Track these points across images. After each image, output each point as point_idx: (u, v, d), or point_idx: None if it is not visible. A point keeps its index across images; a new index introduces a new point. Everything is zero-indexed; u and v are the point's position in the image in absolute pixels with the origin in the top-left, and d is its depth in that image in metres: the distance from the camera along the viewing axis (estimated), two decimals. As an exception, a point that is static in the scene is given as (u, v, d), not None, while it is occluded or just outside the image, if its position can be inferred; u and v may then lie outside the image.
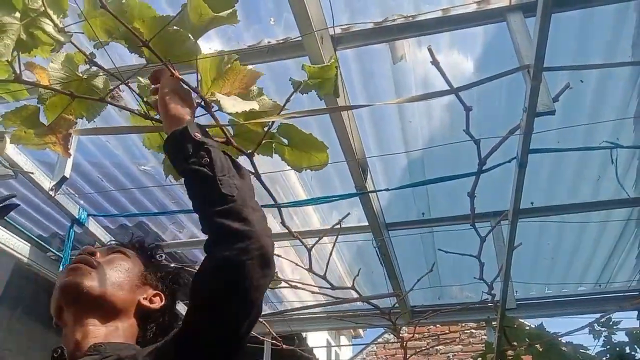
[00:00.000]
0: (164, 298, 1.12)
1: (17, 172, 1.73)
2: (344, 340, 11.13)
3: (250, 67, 1.34)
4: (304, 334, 4.55)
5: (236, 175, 0.98)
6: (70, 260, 1.08)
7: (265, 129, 1.43)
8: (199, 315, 0.88)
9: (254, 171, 1.58)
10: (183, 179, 1.03)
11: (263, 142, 1.47)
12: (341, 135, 2.01)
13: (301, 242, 1.98)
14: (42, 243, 3.00)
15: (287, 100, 1.42)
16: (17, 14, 1.22)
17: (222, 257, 0.88)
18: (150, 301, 1.09)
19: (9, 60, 1.28)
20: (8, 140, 1.68)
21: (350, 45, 1.81)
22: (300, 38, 1.75)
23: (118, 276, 1.05)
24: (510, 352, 3.04)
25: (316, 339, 7.35)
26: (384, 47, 1.92)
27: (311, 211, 3.03)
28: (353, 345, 10.55)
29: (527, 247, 2.45)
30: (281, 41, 1.86)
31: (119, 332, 1.01)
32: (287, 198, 2.70)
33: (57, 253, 2.85)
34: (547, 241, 3.12)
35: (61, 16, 1.29)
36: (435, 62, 1.29)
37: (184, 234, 3.10)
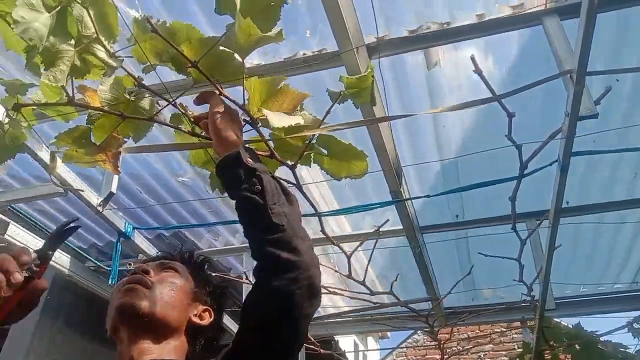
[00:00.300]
0: (212, 313, 1.14)
1: (67, 190, 1.79)
2: (370, 341, 11.12)
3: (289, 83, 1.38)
4: (335, 337, 4.57)
5: (285, 202, 1.01)
6: (121, 276, 1.10)
7: (306, 141, 1.47)
8: (251, 338, 0.92)
9: (295, 182, 1.61)
10: (234, 203, 1.07)
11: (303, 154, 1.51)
12: (377, 143, 2.03)
13: (341, 249, 2.01)
14: (82, 253, 3.07)
15: (327, 113, 1.45)
16: (72, 41, 1.26)
17: (273, 287, 0.91)
18: (200, 317, 1.11)
19: (64, 85, 1.34)
20: (59, 160, 1.74)
21: (386, 53, 1.82)
22: (335, 49, 1.78)
23: (171, 296, 1.06)
24: (547, 352, 3.03)
25: (344, 342, 7.36)
26: (418, 54, 1.94)
27: (343, 217, 3.05)
28: (380, 349, 10.54)
29: (563, 246, 2.44)
30: (317, 52, 1.89)
31: (171, 349, 1.03)
32: (321, 206, 2.72)
33: (98, 263, 2.92)
34: (582, 240, 3.09)
35: (112, 42, 1.33)
36: (478, 71, 1.31)
37: (219, 241, 3.15)
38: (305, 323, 0.93)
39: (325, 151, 1.51)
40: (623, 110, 2.18)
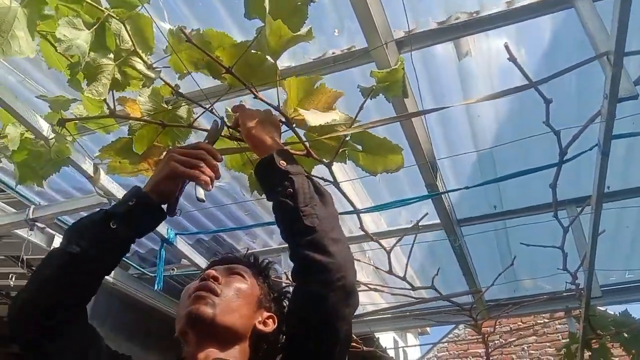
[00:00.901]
0: (276, 320, 1.14)
1: (110, 200, 1.84)
2: (410, 338, 11.05)
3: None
4: (376, 335, 4.57)
5: (319, 203, 1.03)
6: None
7: (340, 140, 1.48)
8: (296, 342, 0.97)
9: (332, 180, 1.62)
10: (270, 202, 1.10)
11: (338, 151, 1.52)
12: (410, 136, 2.03)
13: (381, 245, 2.01)
14: (125, 260, 3.15)
15: (360, 109, 1.45)
16: (111, 55, 1.30)
17: (307, 290, 0.96)
18: (265, 324, 1.12)
19: (105, 97, 1.38)
20: (102, 171, 1.80)
21: (415, 47, 1.82)
22: (364, 45, 1.79)
23: (239, 304, 1.08)
24: (595, 342, 2.96)
25: (384, 339, 7.34)
26: (448, 45, 1.93)
27: (378, 213, 3.05)
28: (420, 345, 10.47)
29: (606, 232, 2.38)
30: (346, 51, 1.90)
31: (235, 354, 1.05)
32: (355, 203, 2.72)
33: (142, 269, 3.00)
34: (625, 224, 3.01)
35: (149, 54, 1.37)
36: (512, 58, 1.29)
37: (257, 243, 3.19)
38: (344, 323, 0.95)
39: (359, 147, 1.52)
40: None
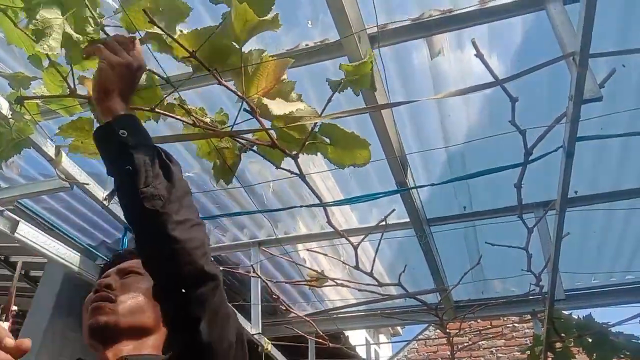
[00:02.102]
0: None
1: (72, 185, 1.80)
2: (382, 338, 11.09)
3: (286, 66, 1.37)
4: (345, 333, 4.57)
5: (163, 180, 0.91)
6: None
7: (307, 131, 1.47)
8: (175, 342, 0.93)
9: (299, 173, 1.61)
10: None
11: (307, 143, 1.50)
12: (380, 131, 2.02)
13: (348, 240, 2.01)
14: (92, 250, 3.09)
15: (328, 102, 1.45)
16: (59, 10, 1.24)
17: (161, 286, 0.90)
18: None
19: (62, 72, 1.34)
20: (64, 154, 1.76)
21: (388, 42, 1.82)
22: (337, 39, 1.78)
23: (138, 302, 1.05)
24: (558, 345, 3.00)
25: (355, 338, 7.35)
26: (421, 42, 1.93)
27: (349, 210, 3.05)
28: (392, 342, 10.51)
29: (571, 236, 2.41)
30: (319, 43, 1.89)
31: (148, 344, 1.04)
32: (327, 199, 2.72)
33: (108, 260, 2.94)
34: (592, 230, 3.06)
35: (97, 9, 1.31)
36: (479, 55, 1.29)
37: (227, 237, 3.16)
38: (220, 320, 0.89)
39: (328, 140, 1.52)
40: (633, 94, 2.16)
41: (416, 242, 2.78)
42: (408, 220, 2.65)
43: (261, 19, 1.22)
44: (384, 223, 2.08)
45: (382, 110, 1.91)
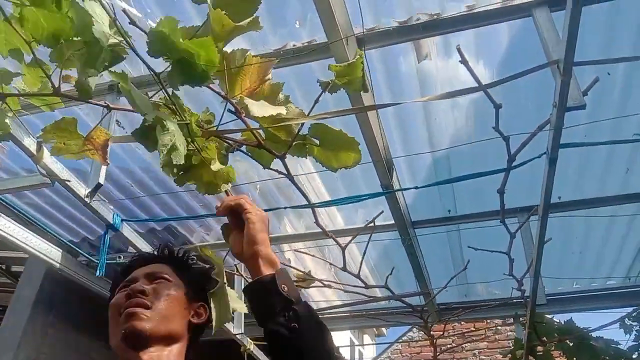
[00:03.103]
0: (206, 306, 1.14)
1: (53, 181, 1.78)
2: (367, 339, 11.12)
3: (272, 66, 1.36)
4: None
5: (319, 335, 0.97)
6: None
7: (295, 132, 1.46)
8: None
9: (286, 173, 1.60)
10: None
11: (295, 143, 1.50)
12: (367, 134, 2.02)
13: (335, 241, 2.00)
14: (74, 247, 3.06)
15: (316, 102, 1.44)
16: None
17: None
18: (198, 315, 1.13)
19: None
20: (45, 149, 1.74)
21: (376, 45, 1.82)
22: (325, 40, 1.77)
23: (171, 309, 1.07)
24: (539, 348, 3.03)
25: (339, 338, 7.36)
26: (408, 46, 1.93)
27: (335, 211, 3.05)
28: (377, 344, 10.54)
29: (554, 242, 2.43)
30: (306, 44, 1.88)
31: (174, 352, 1.06)
32: (314, 200, 2.72)
33: (89, 257, 2.91)
34: (575, 235, 3.09)
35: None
36: (464, 61, 1.30)
37: (212, 236, 3.14)
38: None
39: (317, 141, 1.51)
40: (615, 103, 2.18)
41: (400, 244, 2.78)
42: (393, 222, 2.65)
43: (238, 24, 1.21)
44: (371, 225, 2.08)
45: (368, 114, 1.91)
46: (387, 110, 2.20)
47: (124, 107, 1.41)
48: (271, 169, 1.55)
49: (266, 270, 0.99)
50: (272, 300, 0.96)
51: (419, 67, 2.03)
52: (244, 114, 1.38)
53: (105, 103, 1.37)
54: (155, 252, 1.22)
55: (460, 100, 2.19)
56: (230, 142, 1.52)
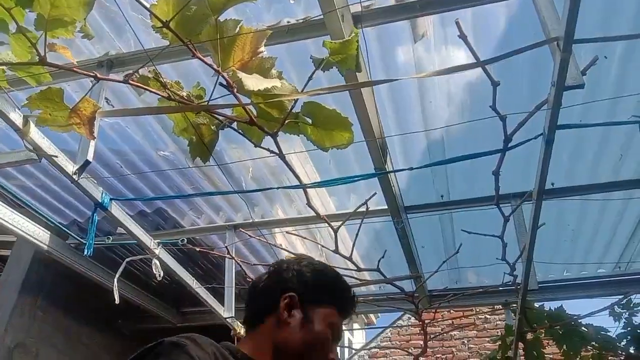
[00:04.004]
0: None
1: (40, 157, 1.74)
2: (356, 327, 11.15)
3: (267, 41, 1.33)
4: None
5: None
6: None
7: (287, 110, 1.43)
8: None
9: (278, 152, 1.58)
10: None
11: (288, 121, 1.47)
12: (361, 114, 1.99)
13: (328, 223, 1.98)
14: (63, 229, 3.02)
15: (310, 79, 1.41)
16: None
17: None
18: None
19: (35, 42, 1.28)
20: (32, 124, 1.69)
21: (372, 23, 1.79)
22: (320, 17, 1.74)
23: None
24: (529, 335, 3.03)
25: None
26: (405, 24, 1.90)
27: (327, 196, 3.03)
28: (366, 329, 10.57)
29: (546, 228, 2.42)
30: (301, 20, 1.84)
31: None
32: (305, 182, 2.69)
33: (79, 239, 2.88)
34: (567, 222, 3.09)
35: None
36: (462, 36, 1.27)
37: (202, 219, 3.11)
38: None
39: (310, 120, 1.48)
40: (611, 87, 2.16)
41: (393, 229, 2.77)
42: (386, 207, 2.64)
43: (235, -6, 1.18)
44: (363, 210, 2.06)
45: (363, 94, 1.88)
46: (382, 92, 2.18)
47: (113, 79, 1.38)
48: (263, 147, 1.52)
49: None
50: None
51: (415, 47, 2.00)
52: (236, 89, 1.35)
53: (93, 73, 1.33)
54: None
55: (456, 84, 2.17)
56: (221, 118, 1.49)
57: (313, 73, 1.40)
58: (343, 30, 1.68)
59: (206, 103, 1.48)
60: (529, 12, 1.70)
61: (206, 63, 1.29)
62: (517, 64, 2.03)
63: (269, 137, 1.47)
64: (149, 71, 1.46)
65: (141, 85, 1.41)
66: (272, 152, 1.57)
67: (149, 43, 1.93)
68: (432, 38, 1.98)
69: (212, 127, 1.55)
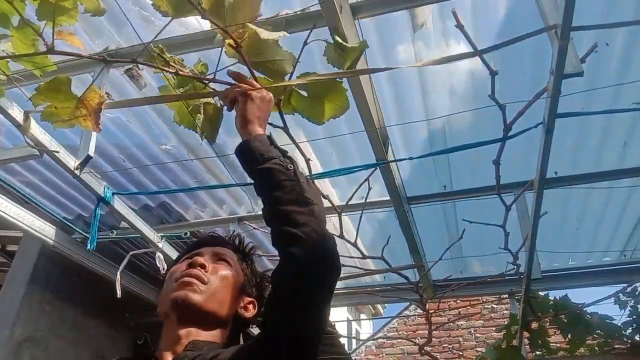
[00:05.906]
0: (256, 305, 1.16)
1: (42, 152, 1.75)
2: (364, 317, 11.20)
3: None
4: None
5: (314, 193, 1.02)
6: (181, 266, 1.11)
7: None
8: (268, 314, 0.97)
9: (283, 125, 1.56)
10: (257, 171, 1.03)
11: (281, 100, 1.46)
12: (361, 104, 1.98)
13: (334, 206, 1.98)
14: (68, 224, 3.04)
15: (304, 46, 1.40)
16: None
17: (290, 252, 0.92)
18: (246, 309, 1.14)
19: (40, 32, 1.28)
20: (33, 120, 1.70)
21: (370, 13, 1.78)
22: (318, 8, 1.73)
23: (224, 291, 1.09)
24: (534, 324, 3.04)
25: (336, 316, 7.40)
26: (404, 14, 1.89)
27: (330, 187, 3.03)
28: (372, 319, 10.63)
29: (550, 217, 2.42)
30: (299, 12, 1.84)
31: (216, 335, 1.07)
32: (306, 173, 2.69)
33: (84, 234, 2.90)
34: (571, 211, 3.07)
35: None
36: (459, 25, 1.27)
37: (206, 213, 3.12)
38: (322, 295, 0.93)
39: (305, 93, 1.47)
40: (613, 75, 2.15)
41: (396, 220, 2.77)
42: (388, 198, 2.64)
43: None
44: (364, 197, 2.06)
45: (363, 83, 1.87)
46: (382, 83, 2.17)
47: (122, 60, 1.37)
48: (269, 123, 1.52)
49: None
50: (271, 148, 1.03)
51: (415, 37, 1.99)
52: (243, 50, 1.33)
53: (102, 57, 1.33)
54: (227, 238, 1.25)
55: (456, 74, 2.16)
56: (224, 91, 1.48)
57: (304, 44, 1.40)
58: (342, 21, 1.68)
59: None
60: (529, 0, 1.69)
61: (213, 22, 1.27)
62: (517, 53, 2.01)
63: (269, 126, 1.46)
64: (155, 47, 1.45)
65: (147, 63, 1.40)
66: (275, 126, 1.55)
67: (149, 37, 1.92)
68: (432, 26, 1.97)
69: (218, 105, 1.53)
